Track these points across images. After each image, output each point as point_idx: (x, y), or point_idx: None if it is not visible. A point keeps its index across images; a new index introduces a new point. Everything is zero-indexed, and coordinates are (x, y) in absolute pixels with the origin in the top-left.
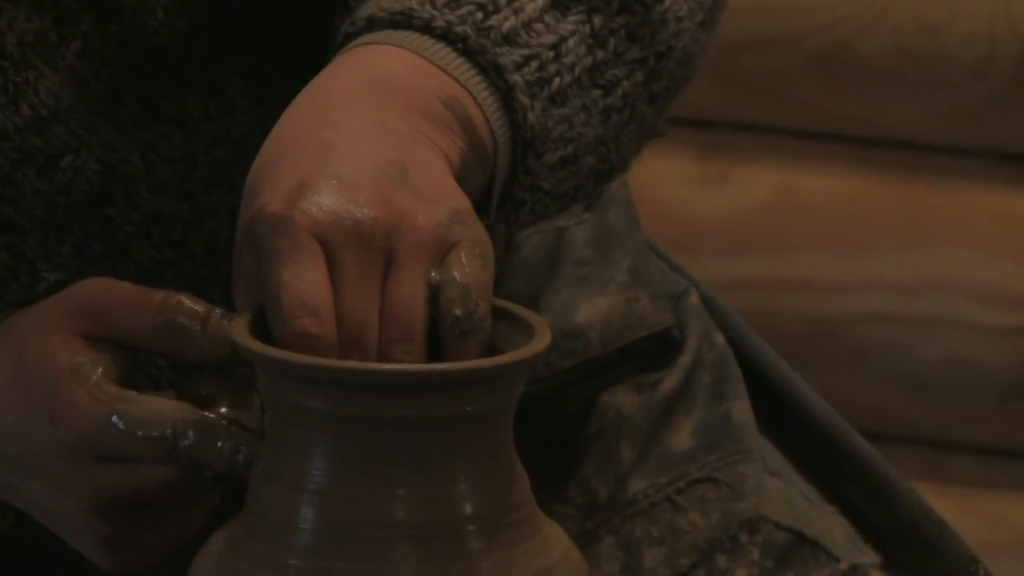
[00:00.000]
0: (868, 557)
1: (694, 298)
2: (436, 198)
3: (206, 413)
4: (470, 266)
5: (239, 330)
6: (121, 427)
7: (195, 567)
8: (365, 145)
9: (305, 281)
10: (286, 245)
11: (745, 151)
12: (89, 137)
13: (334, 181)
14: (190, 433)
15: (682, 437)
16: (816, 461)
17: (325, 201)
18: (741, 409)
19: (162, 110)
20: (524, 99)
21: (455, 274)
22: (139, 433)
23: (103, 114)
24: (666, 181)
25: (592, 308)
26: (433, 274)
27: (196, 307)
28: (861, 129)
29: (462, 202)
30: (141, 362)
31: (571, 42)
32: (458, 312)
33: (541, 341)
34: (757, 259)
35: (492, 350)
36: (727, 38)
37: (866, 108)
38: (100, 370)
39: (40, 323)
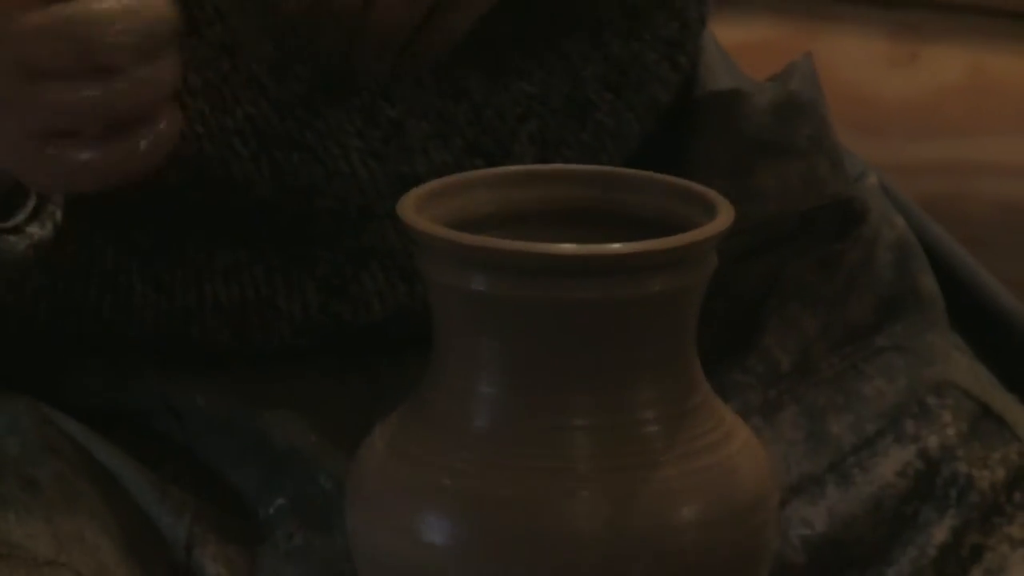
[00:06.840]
0: None
1: (873, 180)
2: None
3: None
4: None
5: (409, 211)
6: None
7: (356, 463)
8: None
9: None
10: None
11: (936, 30)
12: None
13: None
14: None
15: (866, 310)
16: (998, 348)
17: None
18: (927, 283)
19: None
20: None
21: None
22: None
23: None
24: (855, 62)
25: (769, 171)
26: None
27: None
28: None
29: None
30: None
31: None
32: None
33: (725, 218)
34: (947, 142)
35: (672, 229)
36: None
37: None
38: None
39: None
